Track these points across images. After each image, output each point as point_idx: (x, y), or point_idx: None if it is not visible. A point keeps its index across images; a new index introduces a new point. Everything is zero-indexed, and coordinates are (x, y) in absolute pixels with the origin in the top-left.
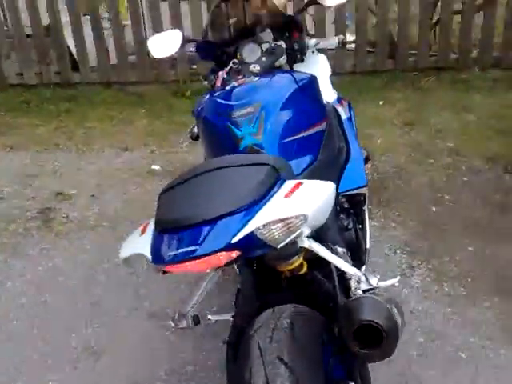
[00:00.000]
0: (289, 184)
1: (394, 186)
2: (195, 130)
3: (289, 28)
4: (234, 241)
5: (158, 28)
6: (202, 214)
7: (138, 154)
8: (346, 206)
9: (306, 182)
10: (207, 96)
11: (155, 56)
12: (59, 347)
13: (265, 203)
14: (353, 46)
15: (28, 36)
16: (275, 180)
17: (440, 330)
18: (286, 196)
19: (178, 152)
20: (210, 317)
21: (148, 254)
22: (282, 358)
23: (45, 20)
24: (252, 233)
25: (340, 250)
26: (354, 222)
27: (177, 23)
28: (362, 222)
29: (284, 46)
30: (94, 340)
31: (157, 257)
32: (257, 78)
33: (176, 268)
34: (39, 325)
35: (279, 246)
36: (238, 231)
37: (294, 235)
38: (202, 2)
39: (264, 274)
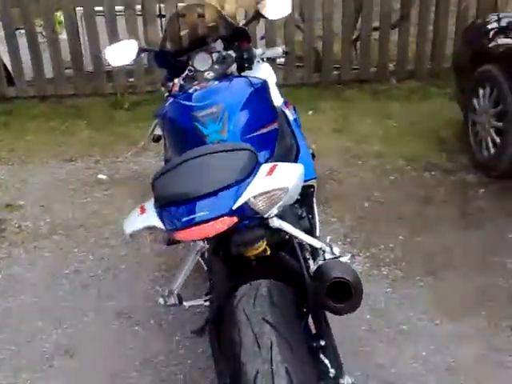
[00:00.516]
0: (267, 165)
1: (329, 185)
2: (156, 132)
3: (238, 38)
4: (234, 207)
5: (94, 42)
6: (204, 188)
7: (83, 164)
8: (298, 197)
9: (280, 164)
10: (170, 100)
11: (113, 64)
12: (31, 348)
13: (253, 179)
14: (282, 60)
15: None
16: (256, 162)
17: (383, 308)
18: (267, 174)
19: (123, 161)
20: (184, 303)
21: (159, 224)
22: (266, 319)
23: None
24: (246, 202)
25: (300, 230)
26: (306, 211)
27: (113, 37)
28: (312, 212)
29: (234, 55)
30: (65, 340)
31: (169, 225)
32: (217, 82)
33: (186, 233)
34: (7, 329)
35: (266, 215)
36: (236, 200)
37: (278, 205)
38: (137, 17)
39: (232, 260)
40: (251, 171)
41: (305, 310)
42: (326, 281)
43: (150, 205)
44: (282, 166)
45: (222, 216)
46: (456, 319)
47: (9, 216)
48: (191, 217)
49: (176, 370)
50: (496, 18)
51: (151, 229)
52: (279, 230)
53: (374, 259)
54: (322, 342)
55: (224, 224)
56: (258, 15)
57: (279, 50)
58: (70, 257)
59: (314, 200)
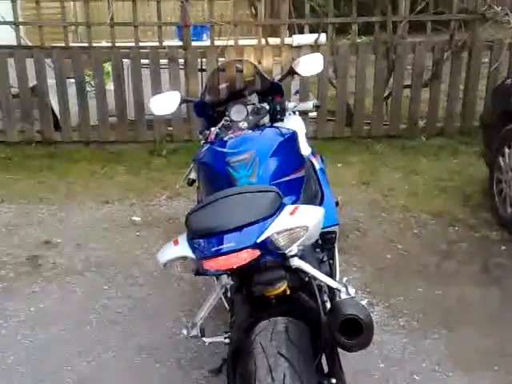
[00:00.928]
0: (290, 207)
1: (353, 236)
2: (191, 176)
3: (272, 92)
4: (258, 241)
5: (138, 92)
6: (231, 223)
7: (119, 206)
8: (320, 242)
9: (302, 206)
10: (206, 146)
11: (156, 113)
12: (56, 379)
13: (276, 217)
14: (315, 114)
15: (14, 96)
16: (280, 203)
17: (398, 358)
18: (290, 214)
19: (156, 205)
20: (204, 339)
21: (190, 254)
22: (281, 352)
23: (30, 81)
24: (268, 237)
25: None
26: (327, 256)
27: (157, 88)
28: (333, 258)
29: (267, 107)
30: (88, 372)
31: (199, 254)
32: (250, 131)
33: (214, 262)
34: (35, 359)
35: (286, 251)
36: (260, 235)
37: (298, 242)
38: (180, 70)
39: (253, 298)
40: (275, 210)
41: (319, 348)
42: (339, 317)
43: (182, 238)
44: (304, 208)
45: (246, 248)
46: (469, 372)
47: (46, 253)
48: (219, 247)
49: None
50: None
51: (183, 258)
52: (299, 272)
53: (392, 310)
54: (333, 380)
55: (248, 256)
56: (292, 72)
57: (310, 104)
58: (100, 293)
59: (336, 246)
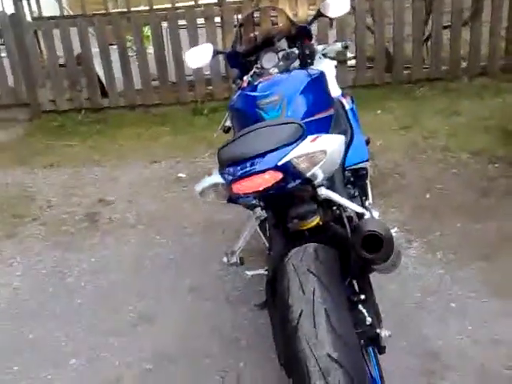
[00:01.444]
0: (311, 136)
1: (393, 179)
2: (227, 123)
3: (301, 37)
4: (279, 163)
5: (178, 53)
6: (255, 150)
7: (165, 165)
8: (351, 178)
9: (323, 135)
10: (238, 93)
11: (191, 66)
12: (118, 317)
13: (297, 144)
14: (353, 62)
15: (61, 65)
16: (302, 132)
17: (434, 288)
18: (311, 141)
19: (200, 161)
20: (247, 272)
21: (221, 180)
22: (310, 270)
23: (76, 50)
24: (289, 161)
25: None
26: (359, 192)
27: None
28: (366, 194)
29: (297, 51)
30: (147, 310)
31: (227, 179)
32: (278, 75)
33: (240, 184)
34: (99, 301)
35: (308, 175)
36: (282, 158)
37: (318, 166)
38: (216, 28)
39: (288, 231)
40: (297, 139)
41: (349, 271)
42: (361, 234)
43: (215, 170)
44: (325, 136)
45: (269, 170)
46: (504, 298)
47: (101, 209)
48: (244, 170)
49: (240, 335)
50: None
51: (215, 185)
52: (330, 205)
53: (429, 245)
54: (362, 296)
55: (271, 178)
56: (320, 14)
57: (338, 45)
58: (153, 243)
59: (368, 183)
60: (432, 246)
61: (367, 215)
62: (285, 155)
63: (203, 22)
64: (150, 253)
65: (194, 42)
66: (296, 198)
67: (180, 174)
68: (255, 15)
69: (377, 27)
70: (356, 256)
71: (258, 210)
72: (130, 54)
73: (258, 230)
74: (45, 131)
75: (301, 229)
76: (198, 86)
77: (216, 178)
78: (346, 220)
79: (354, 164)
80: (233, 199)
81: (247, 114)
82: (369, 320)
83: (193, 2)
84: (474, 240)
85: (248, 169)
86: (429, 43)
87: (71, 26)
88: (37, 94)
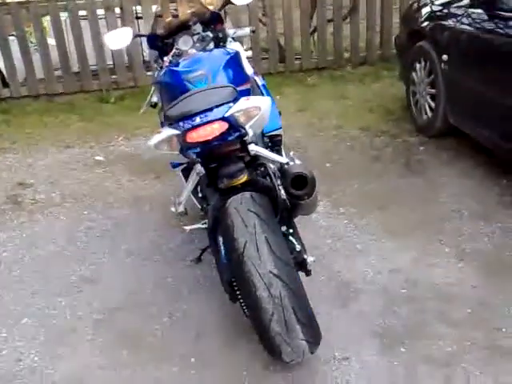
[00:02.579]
0: (244, 97)
1: (297, 152)
2: (153, 99)
3: (214, 21)
4: (226, 115)
5: (79, 43)
6: (203, 106)
7: (80, 149)
8: (269, 144)
9: (253, 96)
10: (164, 70)
11: (112, 48)
12: (62, 281)
13: (236, 102)
14: (250, 53)
15: None
16: (237, 94)
17: (341, 234)
18: (246, 100)
19: (115, 145)
20: (185, 227)
21: (175, 132)
22: (250, 209)
23: None
24: (232, 115)
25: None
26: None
27: (96, 38)
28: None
29: (211, 35)
30: (88, 273)
31: (181, 130)
32: (200, 53)
33: (195, 132)
34: (40, 270)
35: (247, 126)
36: (226, 111)
37: (254, 119)
38: (117, 19)
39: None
40: (234, 99)
41: (278, 212)
42: (290, 175)
43: (164, 128)
44: (256, 97)
45: (218, 120)
46: (398, 238)
47: (23, 192)
48: (197, 121)
49: (180, 286)
50: (428, 1)
51: (169, 138)
52: (253, 163)
53: (333, 203)
54: (291, 230)
55: (219, 127)
56: (228, 2)
57: (247, 30)
58: (82, 218)
59: (282, 148)
60: (336, 203)
61: (291, 163)
62: (228, 109)
63: (103, 13)
64: (81, 226)
65: (95, 33)
66: (227, 157)
67: (97, 157)
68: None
69: (269, 22)
70: (285, 196)
71: (198, 166)
72: (30, 44)
73: (192, 195)
74: None
75: (232, 185)
76: (102, 75)
77: (170, 131)
78: (271, 172)
79: (271, 131)
80: (183, 150)
81: (176, 87)
82: (298, 247)
83: None
84: (369, 196)
85: (200, 120)
86: (315, 36)
87: None
88: None
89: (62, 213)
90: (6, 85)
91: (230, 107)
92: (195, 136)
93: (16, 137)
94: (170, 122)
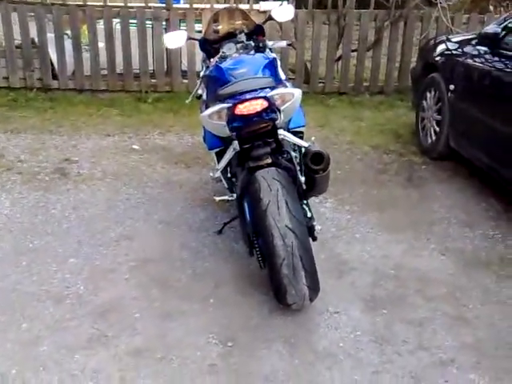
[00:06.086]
0: (281, 86)
1: None
2: (199, 91)
3: (256, 33)
4: (268, 95)
5: (126, 47)
6: (251, 87)
7: (119, 138)
8: None
9: (289, 87)
10: (213, 66)
11: (169, 46)
12: (103, 236)
13: (275, 88)
14: None
15: (17, 47)
16: (275, 84)
17: (344, 226)
18: (283, 86)
19: (151, 138)
20: (215, 197)
21: (225, 105)
22: (274, 178)
23: (32, 34)
24: (272, 96)
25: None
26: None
27: (143, 44)
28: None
29: (252, 44)
30: (125, 232)
31: (231, 103)
32: (244, 55)
33: (243, 105)
34: (84, 226)
35: (281, 108)
36: (268, 93)
37: (288, 103)
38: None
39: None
40: (273, 87)
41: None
42: (310, 153)
43: (213, 105)
44: (290, 87)
45: (262, 98)
46: (391, 233)
47: (69, 166)
48: (246, 97)
49: (203, 248)
50: (444, 38)
51: (220, 110)
52: (280, 149)
53: (340, 202)
54: (305, 202)
55: (262, 103)
56: (271, 18)
57: (284, 42)
58: (121, 191)
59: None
60: (342, 202)
61: (312, 146)
62: (270, 91)
63: (151, 22)
64: (120, 197)
65: (142, 40)
66: (259, 139)
67: (134, 146)
68: (220, 12)
69: (298, 44)
70: (305, 170)
71: (236, 142)
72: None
73: (221, 175)
74: None
75: (259, 165)
76: (143, 77)
77: (222, 105)
78: (292, 157)
79: (296, 127)
80: (229, 122)
81: (221, 80)
82: (309, 214)
83: (143, 4)
84: (372, 200)
85: (248, 96)
86: (339, 63)
87: (29, 12)
88: None
89: (103, 185)
90: (54, 77)
91: (270, 91)
92: (242, 108)
93: (62, 122)
94: (221, 99)
